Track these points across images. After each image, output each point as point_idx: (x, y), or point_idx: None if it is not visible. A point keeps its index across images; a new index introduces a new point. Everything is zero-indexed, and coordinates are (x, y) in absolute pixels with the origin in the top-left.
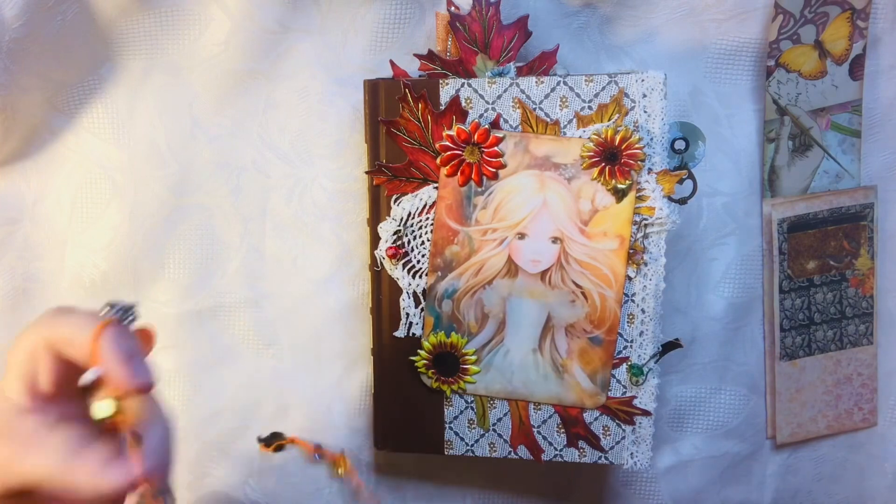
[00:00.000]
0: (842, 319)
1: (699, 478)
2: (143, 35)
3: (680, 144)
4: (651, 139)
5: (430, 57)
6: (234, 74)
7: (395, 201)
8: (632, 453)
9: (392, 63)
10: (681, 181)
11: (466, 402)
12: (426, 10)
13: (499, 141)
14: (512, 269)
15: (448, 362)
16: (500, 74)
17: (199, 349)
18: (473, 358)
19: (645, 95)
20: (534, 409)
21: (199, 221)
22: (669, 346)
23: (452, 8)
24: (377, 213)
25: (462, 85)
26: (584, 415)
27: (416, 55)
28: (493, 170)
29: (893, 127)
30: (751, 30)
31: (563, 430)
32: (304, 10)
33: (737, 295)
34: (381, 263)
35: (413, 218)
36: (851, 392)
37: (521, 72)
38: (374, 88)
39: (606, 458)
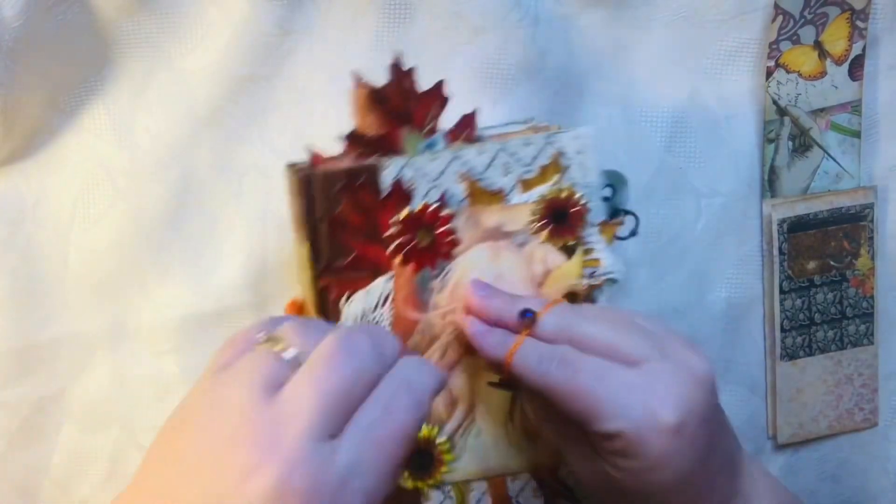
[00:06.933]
0: (842, 319)
1: None
2: (144, 37)
3: (607, 192)
4: (590, 193)
5: (355, 138)
6: (234, 76)
7: (346, 301)
8: None
9: (314, 153)
10: (622, 223)
11: (444, 492)
12: (424, 11)
13: (450, 219)
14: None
15: (423, 460)
16: (431, 146)
17: (203, 353)
18: (447, 446)
19: (579, 152)
20: (510, 479)
21: (202, 224)
22: None
23: (365, 80)
24: (326, 317)
25: (403, 166)
26: (559, 472)
27: (342, 137)
28: (448, 249)
29: (893, 127)
30: (751, 30)
31: (540, 494)
32: (304, 11)
33: (737, 295)
34: None
35: (368, 315)
36: (852, 392)
37: (448, 138)
38: (305, 183)
39: None
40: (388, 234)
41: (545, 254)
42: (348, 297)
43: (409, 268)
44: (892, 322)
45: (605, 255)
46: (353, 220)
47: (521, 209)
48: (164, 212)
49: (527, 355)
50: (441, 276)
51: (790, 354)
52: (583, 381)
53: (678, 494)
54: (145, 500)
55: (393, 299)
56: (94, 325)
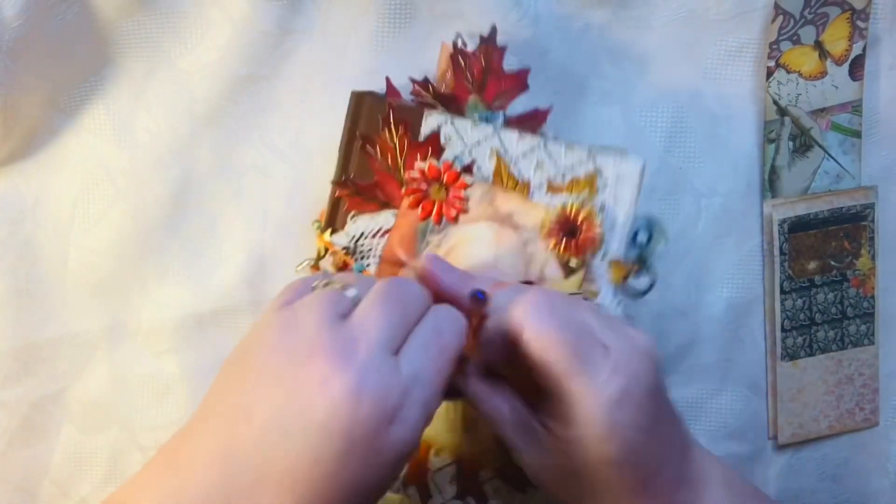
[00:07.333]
0: (843, 320)
1: None
2: (144, 37)
3: (642, 237)
4: (612, 226)
5: (425, 84)
6: (234, 76)
7: (352, 217)
8: None
9: (388, 81)
10: (636, 274)
11: None
12: (424, 10)
13: (467, 186)
14: None
15: None
16: (488, 120)
17: (202, 352)
18: None
19: (618, 180)
20: (434, 454)
21: (202, 224)
22: None
23: (460, 42)
24: (332, 223)
25: (445, 121)
26: (481, 473)
27: (411, 79)
28: (455, 213)
29: (893, 127)
30: (751, 30)
31: (454, 483)
32: (304, 11)
33: (737, 295)
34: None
35: (365, 238)
36: (853, 392)
37: (509, 122)
38: (359, 101)
39: None
40: (408, 174)
41: (546, 262)
42: (354, 216)
43: (416, 213)
44: (893, 322)
45: (604, 292)
46: (383, 150)
47: (539, 209)
48: (164, 211)
49: (485, 331)
50: (442, 233)
51: (791, 354)
52: (560, 323)
53: (625, 471)
54: (219, 417)
55: (390, 234)
56: (94, 325)
